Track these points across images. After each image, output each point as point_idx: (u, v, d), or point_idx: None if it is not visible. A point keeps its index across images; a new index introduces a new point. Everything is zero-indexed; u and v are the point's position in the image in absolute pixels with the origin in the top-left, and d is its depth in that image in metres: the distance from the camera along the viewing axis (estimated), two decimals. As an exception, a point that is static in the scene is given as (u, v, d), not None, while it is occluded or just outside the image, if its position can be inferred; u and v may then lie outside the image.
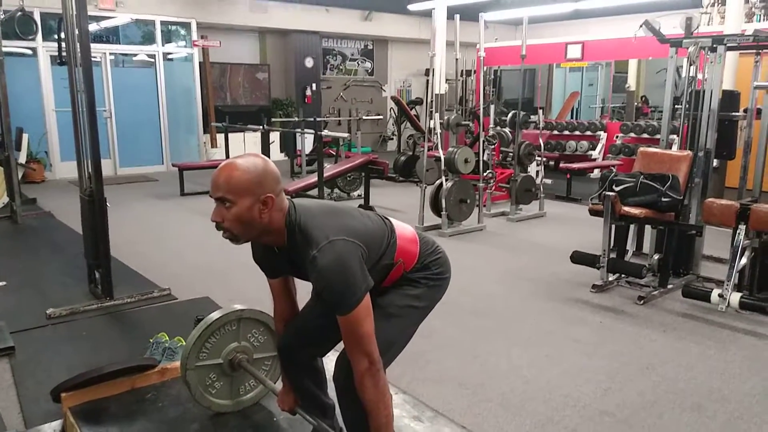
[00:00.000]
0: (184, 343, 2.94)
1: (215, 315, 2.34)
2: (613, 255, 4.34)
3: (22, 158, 7.90)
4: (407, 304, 1.95)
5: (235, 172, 1.67)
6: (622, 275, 4.32)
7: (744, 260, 3.76)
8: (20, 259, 5.10)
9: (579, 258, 4.31)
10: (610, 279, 4.29)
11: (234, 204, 1.67)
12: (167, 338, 3.04)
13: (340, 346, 1.83)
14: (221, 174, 1.69)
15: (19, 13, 5.31)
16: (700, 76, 4.46)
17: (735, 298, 3.56)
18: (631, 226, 4.56)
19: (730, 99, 4.55)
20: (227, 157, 9.62)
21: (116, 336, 3.56)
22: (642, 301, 3.99)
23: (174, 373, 2.65)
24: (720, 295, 3.60)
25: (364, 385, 1.73)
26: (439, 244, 2.09)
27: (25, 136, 8.05)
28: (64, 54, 3.92)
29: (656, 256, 4.25)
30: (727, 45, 4.26)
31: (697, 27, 4.69)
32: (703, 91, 4.34)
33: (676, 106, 4.68)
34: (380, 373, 1.75)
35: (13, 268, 4.76)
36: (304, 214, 1.75)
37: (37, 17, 7.92)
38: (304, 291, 2.07)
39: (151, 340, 3.04)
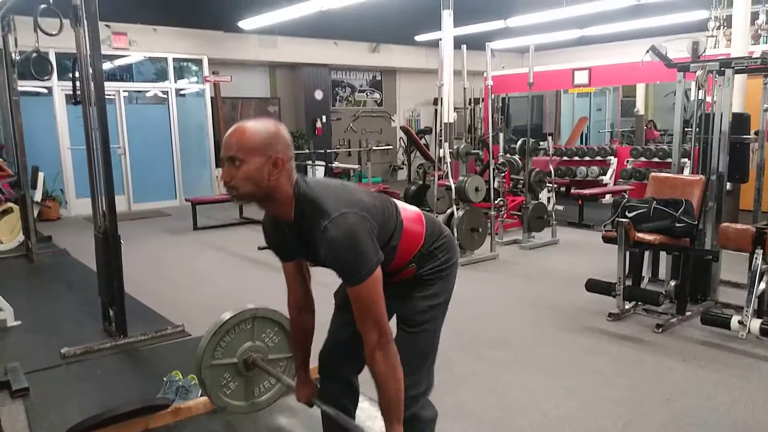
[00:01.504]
0: (198, 382, 2.94)
1: (229, 314, 2.33)
2: (628, 282, 4.29)
3: (38, 196, 7.98)
4: (427, 305, 1.98)
5: (247, 131, 1.69)
6: (639, 303, 4.26)
7: (763, 285, 3.69)
8: (35, 297, 5.14)
9: (594, 286, 4.26)
10: (627, 307, 4.23)
11: (244, 162, 1.67)
12: (181, 376, 3.03)
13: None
14: (233, 134, 1.70)
15: (35, 55, 5.42)
16: (709, 99, 4.46)
17: (755, 324, 3.49)
18: (646, 253, 4.51)
19: (741, 121, 4.52)
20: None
21: (130, 375, 3.55)
22: (660, 329, 3.92)
23: (188, 412, 2.64)
24: (740, 322, 3.54)
25: (375, 358, 1.73)
26: (445, 226, 2.09)
27: (40, 175, 8.14)
28: (78, 93, 3.99)
29: (673, 283, 4.19)
30: (735, 68, 4.26)
31: (704, 51, 4.70)
32: (713, 114, 4.33)
33: (686, 129, 4.67)
34: (390, 346, 1.74)
35: (28, 307, 4.78)
36: (315, 187, 1.76)
37: (52, 57, 8.10)
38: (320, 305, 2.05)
39: (165, 379, 3.03)
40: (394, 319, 1.97)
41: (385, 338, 1.72)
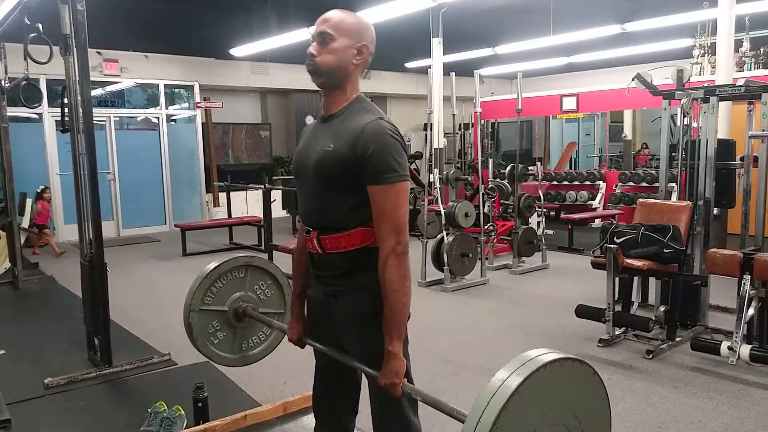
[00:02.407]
0: (183, 413, 2.89)
1: (222, 261, 2.29)
2: (618, 307, 4.29)
3: (26, 223, 7.94)
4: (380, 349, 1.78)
5: (345, 14, 1.77)
6: (629, 328, 4.25)
7: (751, 311, 3.70)
8: (20, 325, 5.06)
9: (584, 312, 4.26)
10: (617, 333, 4.22)
11: (334, 39, 1.73)
12: (165, 408, 2.98)
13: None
14: (330, 13, 1.77)
15: (24, 82, 5.42)
16: (694, 125, 4.51)
17: (745, 350, 3.49)
18: (635, 278, 4.52)
19: (726, 147, 4.57)
20: (229, 216, 9.68)
21: (114, 406, 3.48)
22: (651, 356, 3.91)
23: (172, 445, 2.58)
24: (730, 348, 3.53)
25: (388, 265, 1.69)
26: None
27: (28, 201, 8.11)
28: (67, 120, 3.99)
29: (662, 308, 4.19)
30: (719, 95, 4.33)
31: (689, 78, 4.77)
32: (699, 141, 4.38)
33: (673, 154, 4.71)
34: (405, 256, 1.71)
35: (12, 335, 4.71)
36: (373, 104, 1.83)
37: (42, 85, 8.12)
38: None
39: (149, 410, 2.98)
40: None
41: (401, 246, 1.69)
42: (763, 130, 4.25)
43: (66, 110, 4.01)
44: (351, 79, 1.80)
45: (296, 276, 2.04)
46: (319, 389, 2.03)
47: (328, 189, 1.76)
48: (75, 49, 3.72)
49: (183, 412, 2.99)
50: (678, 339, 4.11)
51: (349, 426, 2.07)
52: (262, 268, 2.34)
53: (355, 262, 1.78)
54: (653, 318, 4.07)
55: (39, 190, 8.29)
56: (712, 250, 3.94)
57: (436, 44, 6.18)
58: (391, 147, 1.68)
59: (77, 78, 3.74)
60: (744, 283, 3.63)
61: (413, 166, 11.87)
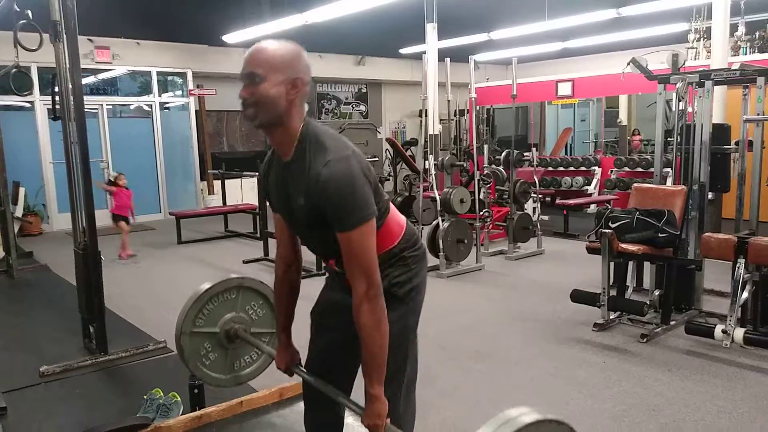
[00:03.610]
0: (179, 399, 2.90)
1: (214, 282, 2.28)
2: (613, 292, 4.30)
3: (19, 212, 7.89)
4: (397, 329, 1.82)
5: (269, 48, 1.66)
6: (624, 313, 4.27)
7: (746, 294, 3.72)
8: (14, 314, 5.05)
9: (579, 297, 4.27)
10: (612, 317, 4.23)
11: (264, 79, 1.64)
12: (162, 394, 2.98)
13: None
14: (254, 51, 1.67)
15: (15, 70, 5.35)
16: (689, 110, 4.50)
17: (739, 333, 3.51)
18: (630, 263, 4.53)
19: (721, 132, 4.57)
20: (224, 204, 9.65)
21: (110, 393, 3.48)
22: (645, 339, 3.93)
23: (167, 431, 2.58)
24: (724, 331, 3.55)
25: (361, 310, 1.66)
26: (422, 242, 2.02)
27: (21, 190, 8.05)
28: (58, 108, 3.95)
29: (657, 292, 4.21)
30: (715, 80, 4.32)
31: (684, 62, 4.76)
32: (694, 125, 4.38)
33: (668, 139, 4.71)
34: (378, 299, 1.67)
35: (7, 324, 4.70)
36: (323, 128, 1.74)
37: (34, 73, 8.05)
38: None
39: (145, 397, 2.99)
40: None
41: (373, 290, 1.66)
42: (758, 115, 4.25)
43: (57, 98, 3.97)
44: (291, 115, 1.69)
45: (279, 309, 2.05)
46: (311, 388, 2.02)
47: (320, 229, 1.72)
48: (65, 35, 3.67)
49: (179, 399, 3.00)
50: (672, 323, 4.13)
51: (340, 412, 2.08)
52: (253, 289, 2.33)
53: (385, 264, 1.81)
54: (648, 302, 4.09)
55: (113, 178, 7.47)
56: (707, 234, 3.95)
57: (431, 30, 6.12)
58: (346, 191, 1.61)
59: (68, 65, 3.70)
60: (738, 267, 3.65)
61: (408, 152, 11.83)
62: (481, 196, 6.55)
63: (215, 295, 2.24)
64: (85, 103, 3.81)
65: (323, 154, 1.63)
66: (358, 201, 1.62)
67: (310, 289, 2.14)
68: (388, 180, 13.79)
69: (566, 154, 11.90)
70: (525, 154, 7.14)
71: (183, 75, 10.65)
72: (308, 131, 1.70)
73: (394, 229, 1.89)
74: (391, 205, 1.93)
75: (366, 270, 1.65)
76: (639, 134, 11.08)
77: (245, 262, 6.28)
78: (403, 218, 1.97)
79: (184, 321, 2.19)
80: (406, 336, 1.92)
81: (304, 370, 2.00)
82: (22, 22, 4.73)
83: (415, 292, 1.92)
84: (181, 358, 2.28)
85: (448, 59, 6.38)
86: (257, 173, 7.97)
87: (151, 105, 10.40)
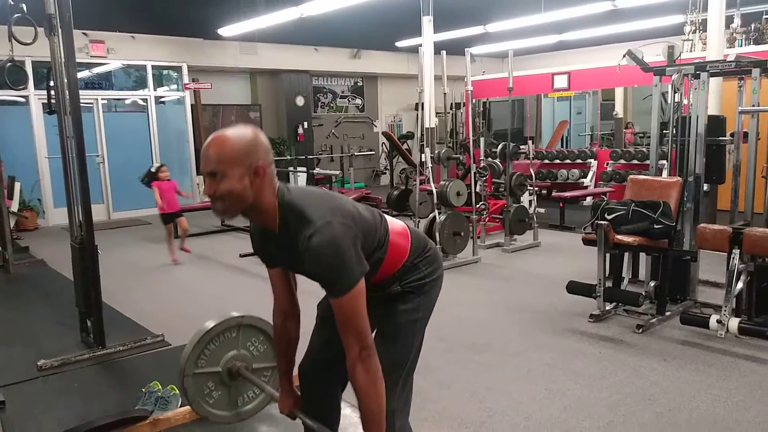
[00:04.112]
0: (178, 392, 2.91)
1: (215, 321, 2.28)
2: (609, 283, 4.32)
3: (15, 206, 7.87)
4: (407, 320, 1.95)
5: (224, 143, 1.65)
6: (620, 304, 4.29)
7: (740, 284, 3.74)
8: (12, 309, 5.05)
9: (575, 288, 4.29)
10: (608, 308, 4.26)
11: (225, 176, 1.64)
12: (160, 387, 2.99)
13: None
14: (210, 147, 1.65)
15: (9, 64, 5.32)
16: (685, 102, 4.51)
17: (734, 323, 3.54)
18: (626, 254, 4.55)
19: (717, 124, 4.59)
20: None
21: (108, 386, 3.50)
22: (641, 330, 3.95)
23: (166, 423, 2.60)
24: (718, 321, 3.58)
25: (356, 371, 1.69)
26: (431, 240, 2.08)
27: (17, 185, 8.04)
28: (53, 102, 3.94)
29: (652, 283, 4.23)
30: (710, 71, 4.32)
31: (680, 54, 4.77)
32: (689, 117, 4.39)
33: (664, 131, 4.72)
34: (372, 360, 1.70)
35: (4, 318, 4.71)
36: (299, 195, 1.73)
37: (29, 67, 8.01)
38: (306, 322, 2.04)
39: (143, 390, 3.00)
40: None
41: (367, 351, 1.69)
42: (754, 106, 4.26)
43: (52, 92, 3.96)
44: (261, 198, 1.69)
45: (279, 357, 2.08)
46: (308, 370, 2.06)
47: None
48: (60, 29, 3.67)
49: (177, 391, 3.00)
50: (668, 313, 4.15)
51: (336, 400, 2.11)
52: (253, 326, 2.34)
53: (398, 279, 1.93)
54: (643, 293, 4.11)
55: (154, 170, 6.80)
56: (702, 225, 3.97)
57: (427, 23, 6.12)
58: (334, 262, 1.63)
59: (63, 59, 3.70)
60: (733, 258, 3.67)
61: (405, 146, 11.83)
62: (478, 189, 6.56)
63: (216, 335, 2.25)
64: (80, 97, 3.80)
65: (306, 227, 1.64)
66: (345, 268, 1.64)
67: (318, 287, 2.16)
68: (384, 173, 13.81)
69: (562, 146, 11.92)
70: (521, 146, 7.12)
71: (178, 69, 10.62)
72: (285, 204, 1.71)
73: (401, 244, 1.93)
74: (389, 221, 1.96)
75: (358, 333, 1.68)
76: (632, 127, 11.09)
77: (242, 255, 6.27)
78: (404, 227, 1.99)
79: (186, 363, 2.19)
80: (412, 331, 1.96)
81: (305, 415, 2.04)
82: (16, 15, 4.70)
83: (429, 287, 1.98)
84: (185, 399, 2.28)
85: (444, 52, 6.38)
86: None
87: (147, 99, 10.37)
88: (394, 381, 1.89)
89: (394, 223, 1.97)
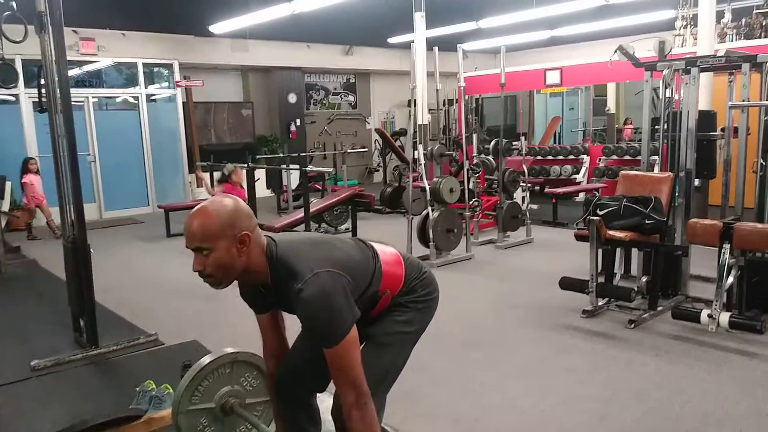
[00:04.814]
0: (172, 391, 2.90)
1: (209, 358, 2.29)
2: (601, 279, 4.34)
3: (5, 206, 7.83)
4: (397, 330, 1.96)
5: (206, 218, 1.66)
6: (612, 299, 4.31)
7: (731, 279, 3.77)
8: (4, 309, 5.02)
9: (567, 284, 4.31)
10: (600, 303, 4.28)
11: (212, 250, 1.66)
12: (154, 386, 2.98)
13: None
14: (192, 223, 1.67)
15: None
16: (676, 97, 4.53)
17: (724, 318, 3.56)
18: (618, 249, 4.57)
19: (707, 119, 4.61)
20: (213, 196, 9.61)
21: (102, 386, 3.49)
22: (633, 325, 3.98)
23: (161, 422, 2.60)
24: (709, 316, 3.60)
25: (352, 418, 1.71)
26: (424, 264, 2.10)
27: (8, 184, 7.99)
28: (44, 100, 3.91)
29: (644, 279, 4.25)
30: (701, 67, 4.34)
31: (671, 50, 4.78)
32: (680, 112, 4.41)
33: (655, 127, 4.74)
34: (368, 406, 1.73)
35: (-4, 319, 4.68)
36: (286, 248, 1.75)
37: (18, 65, 7.95)
38: (294, 324, 2.04)
39: (137, 389, 2.99)
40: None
41: (362, 398, 1.71)
42: (744, 101, 4.29)
43: (43, 90, 3.93)
44: (251, 262, 1.72)
45: (278, 415, 2.11)
46: (282, 376, 2.06)
47: None
48: (50, 27, 3.64)
49: (172, 390, 2.99)
50: (659, 308, 4.18)
51: (311, 402, 2.13)
52: (247, 362, 2.35)
53: (397, 303, 1.97)
54: (635, 288, 4.14)
55: (226, 172, 6.75)
56: (693, 220, 3.99)
57: (419, 19, 6.11)
58: (320, 313, 1.65)
59: (53, 57, 3.67)
60: (723, 253, 3.69)
61: (397, 143, 11.83)
62: (471, 186, 6.57)
63: (210, 372, 2.25)
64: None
65: (295, 281, 1.67)
66: (336, 319, 1.67)
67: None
68: (377, 170, 13.81)
69: (555, 142, 11.95)
70: (514, 143, 7.16)
71: (169, 66, 10.58)
72: (274, 261, 1.74)
73: (396, 273, 1.96)
74: (381, 252, 1.97)
75: (353, 381, 1.70)
76: (631, 123, 11.12)
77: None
78: (397, 255, 2.01)
79: (181, 401, 2.20)
80: (402, 342, 1.98)
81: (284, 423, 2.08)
82: (6, 13, 4.66)
83: (424, 306, 2.01)
84: None
85: (437, 48, 6.37)
86: (246, 164, 7.97)
87: (138, 97, 10.32)
88: (375, 385, 1.87)
89: (386, 253, 1.99)
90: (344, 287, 1.70)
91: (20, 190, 8.00)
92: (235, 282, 1.81)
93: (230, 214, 1.67)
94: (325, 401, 2.20)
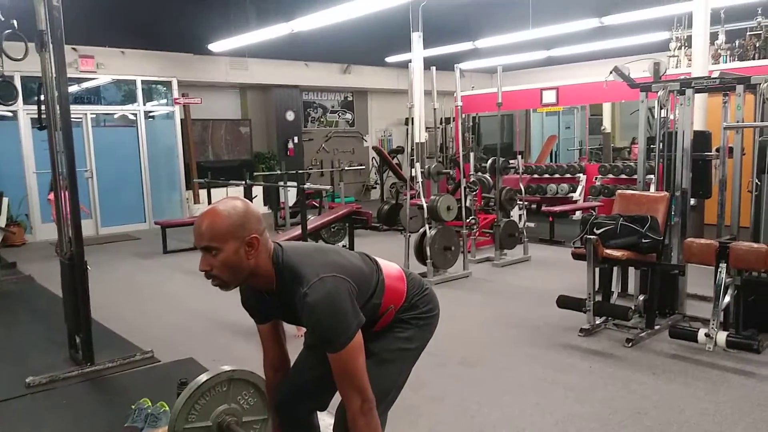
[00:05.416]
0: (168, 409, 2.89)
1: (205, 376, 2.27)
2: (598, 297, 4.35)
3: (2, 222, 7.81)
4: (399, 347, 1.96)
5: (216, 218, 1.67)
6: (609, 318, 4.31)
7: (728, 298, 3.78)
8: (-1, 325, 5.00)
9: (565, 302, 4.31)
10: (597, 322, 4.28)
11: (220, 250, 1.66)
12: (150, 404, 2.97)
13: (338, 397, 1.80)
14: (203, 222, 1.68)
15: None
16: (671, 117, 4.58)
17: (721, 337, 3.57)
18: (615, 268, 4.58)
19: (702, 139, 4.65)
20: (210, 212, 9.60)
21: (98, 404, 3.46)
22: (630, 344, 3.97)
23: (157, 441, 2.57)
24: (707, 335, 3.61)
25: (357, 425, 1.70)
26: (426, 281, 2.11)
27: (5, 200, 7.97)
28: (44, 117, 3.93)
29: (641, 297, 4.26)
30: (695, 88, 4.40)
31: (665, 71, 4.84)
32: (676, 132, 4.45)
33: (651, 146, 4.78)
34: (373, 412, 1.72)
35: (-9, 335, 4.65)
36: (292, 254, 1.76)
37: (18, 81, 8.00)
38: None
39: (133, 407, 2.97)
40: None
41: (368, 404, 1.70)
42: (738, 122, 4.33)
43: (43, 107, 3.95)
44: (259, 265, 1.72)
45: (272, 410, 2.11)
46: (284, 394, 2.05)
47: None
48: (51, 45, 3.67)
49: (168, 408, 2.98)
50: (657, 327, 4.18)
51: (312, 420, 2.11)
52: (244, 380, 2.34)
53: (399, 319, 1.97)
54: (632, 307, 4.14)
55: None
56: (689, 239, 4.01)
57: (416, 39, 6.19)
58: (326, 317, 1.66)
59: (53, 74, 3.70)
60: (720, 272, 3.71)
61: (395, 160, 11.87)
62: (468, 204, 6.59)
63: (207, 390, 2.24)
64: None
65: (300, 285, 1.68)
66: (342, 323, 1.67)
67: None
68: (375, 188, 13.84)
69: (551, 161, 12.00)
70: (511, 161, 7.18)
71: (168, 84, 10.63)
72: (280, 265, 1.75)
73: (398, 288, 1.96)
74: (384, 266, 1.98)
75: (358, 387, 1.70)
76: (636, 143, 11.18)
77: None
78: (400, 271, 2.02)
79: (177, 419, 2.18)
80: (403, 359, 1.98)
81: None
82: (7, 31, 4.69)
83: (425, 323, 2.01)
84: None
85: (434, 68, 6.44)
86: (243, 182, 7.98)
87: (136, 114, 10.36)
88: (382, 406, 1.89)
89: (390, 268, 2.00)
90: (349, 292, 1.71)
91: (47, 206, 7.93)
92: (237, 293, 1.81)
93: (241, 215, 1.68)
94: (325, 419, 2.20)
